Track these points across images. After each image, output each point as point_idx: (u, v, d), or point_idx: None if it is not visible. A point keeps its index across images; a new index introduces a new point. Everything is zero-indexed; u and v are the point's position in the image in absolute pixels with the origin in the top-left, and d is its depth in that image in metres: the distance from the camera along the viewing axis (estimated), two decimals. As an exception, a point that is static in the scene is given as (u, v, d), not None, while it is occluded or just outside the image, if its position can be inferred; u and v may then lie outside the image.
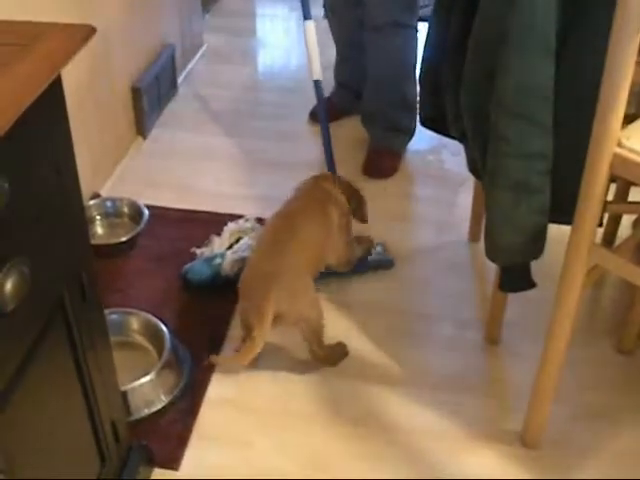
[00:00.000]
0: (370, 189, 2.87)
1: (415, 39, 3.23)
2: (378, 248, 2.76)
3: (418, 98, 2.60)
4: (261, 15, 4.91)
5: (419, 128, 3.05)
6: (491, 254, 2.09)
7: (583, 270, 1.85)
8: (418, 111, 2.65)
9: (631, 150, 1.67)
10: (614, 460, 2.18)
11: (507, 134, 1.92)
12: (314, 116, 3.63)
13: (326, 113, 3.02)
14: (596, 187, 1.72)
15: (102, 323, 1.72)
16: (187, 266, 2.66)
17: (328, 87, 3.51)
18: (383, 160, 3.36)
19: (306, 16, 2.97)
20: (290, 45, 4.66)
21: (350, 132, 3.54)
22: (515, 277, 2.17)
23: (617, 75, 1.59)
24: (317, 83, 2.98)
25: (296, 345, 2.44)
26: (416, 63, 3.18)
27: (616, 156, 1.68)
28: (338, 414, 2.27)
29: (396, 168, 3.37)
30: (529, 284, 2.16)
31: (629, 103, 1.68)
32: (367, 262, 2.71)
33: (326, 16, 3.48)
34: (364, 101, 3.42)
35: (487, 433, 2.21)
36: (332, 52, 3.57)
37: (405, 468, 2.13)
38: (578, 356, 2.39)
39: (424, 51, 2.48)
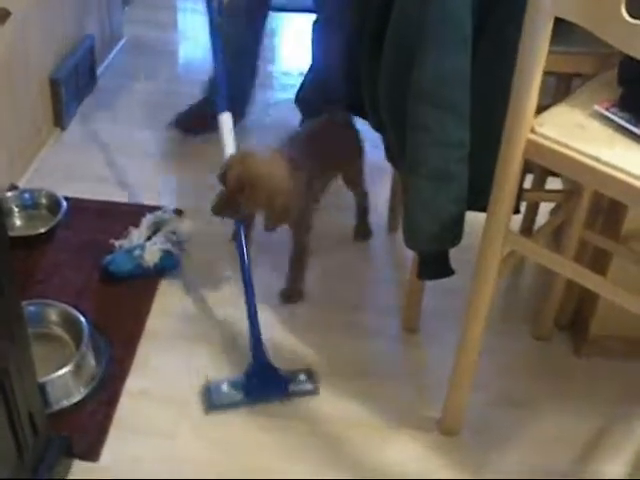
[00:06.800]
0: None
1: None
2: (301, 376, 2.37)
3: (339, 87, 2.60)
4: (182, 9, 4.86)
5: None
6: (410, 242, 2.11)
7: (498, 256, 1.88)
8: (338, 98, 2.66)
9: (544, 136, 1.70)
10: (533, 446, 2.22)
11: (426, 123, 1.94)
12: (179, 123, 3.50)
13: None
14: (510, 173, 1.75)
15: (20, 315, 1.70)
16: (108, 258, 2.63)
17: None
18: None
19: (220, 108, 2.70)
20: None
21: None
22: (434, 265, 2.19)
23: (530, 62, 1.61)
24: None
25: (213, 337, 2.46)
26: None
27: (529, 142, 1.71)
28: (258, 405, 2.27)
29: None
30: (448, 271, 2.18)
31: (544, 93, 1.71)
32: (287, 390, 2.33)
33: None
34: None
35: (407, 421, 2.23)
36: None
37: (326, 458, 2.14)
38: (496, 343, 2.43)
39: (343, 44, 2.49)
